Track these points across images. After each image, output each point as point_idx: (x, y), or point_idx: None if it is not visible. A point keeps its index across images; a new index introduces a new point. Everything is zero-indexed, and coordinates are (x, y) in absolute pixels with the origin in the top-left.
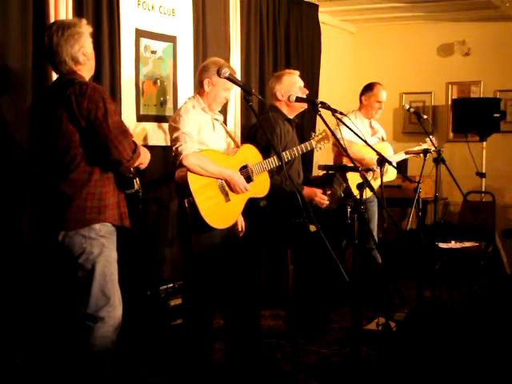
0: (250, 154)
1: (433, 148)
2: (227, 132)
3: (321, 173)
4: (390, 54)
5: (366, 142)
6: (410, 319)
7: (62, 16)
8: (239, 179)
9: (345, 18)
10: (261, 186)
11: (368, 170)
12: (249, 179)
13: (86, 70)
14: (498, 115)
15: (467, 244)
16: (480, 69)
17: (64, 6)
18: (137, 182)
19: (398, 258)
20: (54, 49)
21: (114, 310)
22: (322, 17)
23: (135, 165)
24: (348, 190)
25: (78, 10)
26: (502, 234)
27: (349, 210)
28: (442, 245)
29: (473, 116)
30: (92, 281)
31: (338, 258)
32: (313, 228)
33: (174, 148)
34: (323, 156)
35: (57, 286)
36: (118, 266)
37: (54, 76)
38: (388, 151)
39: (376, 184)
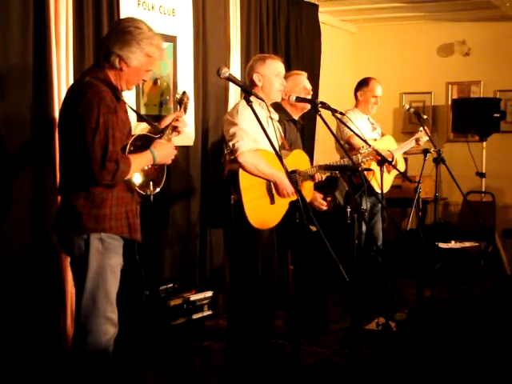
0: (300, 160)
1: (426, 138)
2: (280, 133)
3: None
4: (389, 54)
5: (365, 141)
6: (411, 319)
7: (62, 16)
8: (287, 183)
9: (345, 18)
10: (305, 192)
11: (367, 169)
12: (296, 184)
13: (117, 77)
14: (498, 115)
15: (467, 244)
16: (480, 69)
17: (64, 5)
18: (148, 188)
19: (398, 258)
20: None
21: (106, 323)
22: (322, 17)
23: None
24: (349, 194)
25: (78, 9)
26: (502, 233)
27: (348, 210)
28: (442, 245)
29: (473, 116)
30: (84, 286)
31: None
32: (314, 228)
33: (230, 144)
34: (324, 156)
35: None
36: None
37: (55, 76)
38: (393, 144)
39: (391, 177)
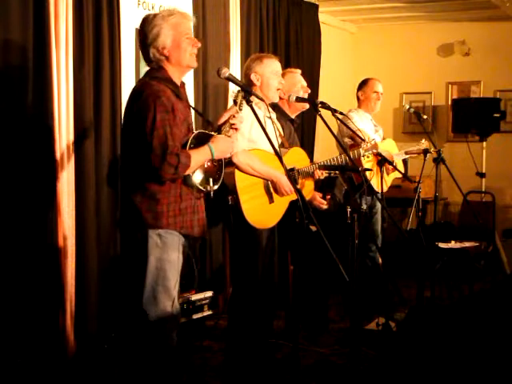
0: (299, 157)
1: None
2: (279, 131)
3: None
4: (389, 54)
5: (363, 140)
6: (411, 318)
7: (62, 16)
8: (286, 181)
9: (345, 18)
10: (305, 190)
11: (367, 169)
12: (294, 182)
13: (170, 68)
14: (498, 115)
15: (467, 244)
16: (480, 69)
17: (64, 5)
18: (209, 184)
19: (398, 258)
20: None
21: (166, 317)
22: (322, 17)
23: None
24: (348, 193)
25: (78, 9)
26: (502, 234)
27: (348, 210)
28: (441, 245)
29: (473, 116)
30: (144, 281)
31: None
32: (314, 228)
33: None
34: (324, 155)
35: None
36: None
37: (55, 76)
38: (394, 148)
39: (389, 179)
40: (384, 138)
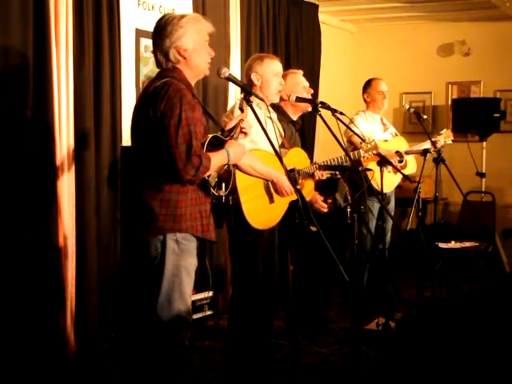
0: (299, 158)
1: (449, 140)
2: (279, 131)
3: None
4: (390, 54)
5: (364, 140)
6: (411, 315)
7: (62, 16)
8: (286, 182)
9: (345, 18)
10: (305, 191)
11: (367, 169)
12: (295, 182)
13: (186, 70)
14: (498, 115)
15: (467, 244)
16: (480, 69)
17: (64, 5)
18: (221, 189)
19: (398, 258)
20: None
21: (180, 324)
22: (322, 17)
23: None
24: (348, 196)
25: (78, 9)
26: (502, 233)
27: (348, 210)
28: (442, 245)
29: (473, 116)
30: (160, 288)
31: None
32: (314, 228)
33: None
34: (324, 155)
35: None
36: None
37: (55, 76)
38: (404, 145)
39: (397, 178)
40: (396, 135)
